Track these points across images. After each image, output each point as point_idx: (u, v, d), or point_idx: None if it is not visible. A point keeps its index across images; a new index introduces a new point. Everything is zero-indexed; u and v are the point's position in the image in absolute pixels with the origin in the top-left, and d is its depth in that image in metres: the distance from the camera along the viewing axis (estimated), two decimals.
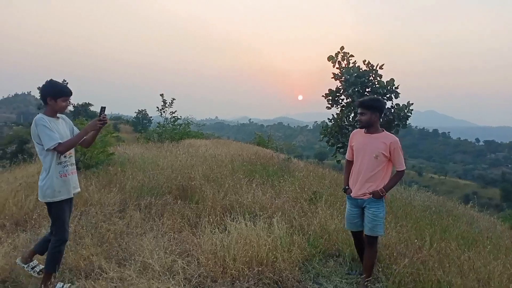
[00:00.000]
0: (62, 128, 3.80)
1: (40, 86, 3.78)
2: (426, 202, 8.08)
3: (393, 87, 11.00)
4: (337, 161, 12.27)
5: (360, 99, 3.86)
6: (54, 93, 3.72)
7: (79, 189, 4.00)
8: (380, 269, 4.09)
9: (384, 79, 11.13)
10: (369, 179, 3.79)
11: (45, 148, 3.54)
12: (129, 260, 4.17)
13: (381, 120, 4.21)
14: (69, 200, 3.82)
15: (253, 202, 5.93)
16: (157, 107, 15.26)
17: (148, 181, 6.94)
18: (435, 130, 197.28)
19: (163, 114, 15.38)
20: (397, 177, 3.83)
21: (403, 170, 3.81)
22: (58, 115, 3.85)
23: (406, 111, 11.17)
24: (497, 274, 4.10)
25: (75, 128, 3.99)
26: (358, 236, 4.10)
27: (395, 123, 11.36)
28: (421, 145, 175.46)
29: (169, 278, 3.74)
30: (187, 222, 5.20)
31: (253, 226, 4.78)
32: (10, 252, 4.31)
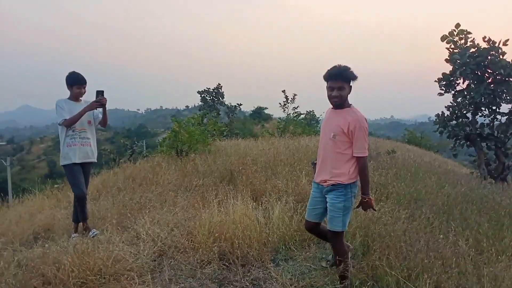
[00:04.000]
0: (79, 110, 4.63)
1: None
2: None
3: None
4: (453, 154, 10.70)
5: (334, 70, 3.10)
6: (70, 82, 4.70)
7: (93, 159, 4.81)
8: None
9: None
10: (328, 164, 3.18)
11: (58, 123, 4.58)
12: (132, 227, 4.74)
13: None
14: (80, 166, 4.67)
15: (288, 188, 5.87)
16: (279, 103, 15.86)
17: (212, 167, 7.49)
18: None
19: (286, 110, 15.87)
20: (363, 169, 3.10)
21: (364, 157, 3.09)
22: (82, 99, 4.75)
23: None
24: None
25: (94, 111, 4.81)
26: (313, 230, 3.45)
27: None
28: None
29: (141, 243, 4.16)
30: (207, 201, 5.48)
31: (255, 207, 4.89)
32: (55, 207, 5.41)
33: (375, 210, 3.34)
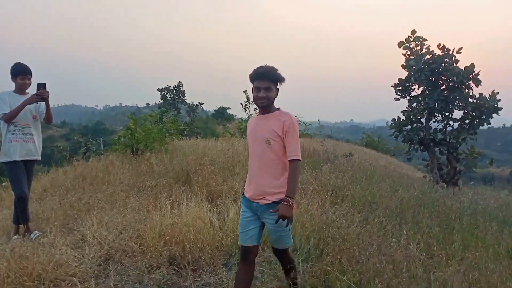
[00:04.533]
0: None
1: None
2: (482, 205, 6.81)
3: (473, 74, 9.43)
4: (408, 158, 11.04)
5: (261, 70, 2.85)
6: (13, 73, 4.39)
7: (36, 157, 4.51)
8: None
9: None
10: (266, 175, 2.82)
11: None
12: (78, 229, 4.47)
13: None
14: (22, 163, 4.37)
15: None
16: (241, 104, 15.83)
17: (168, 166, 7.28)
18: None
19: (247, 111, 15.85)
20: (295, 171, 2.73)
21: (299, 161, 2.76)
22: (28, 92, 4.45)
23: (492, 102, 9.46)
24: None
25: (41, 105, 4.51)
26: (251, 254, 2.91)
27: (482, 117, 9.74)
28: None
29: (87, 246, 3.93)
30: (159, 203, 5.29)
31: (210, 209, 4.77)
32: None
33: (289, 222, 2.73)
